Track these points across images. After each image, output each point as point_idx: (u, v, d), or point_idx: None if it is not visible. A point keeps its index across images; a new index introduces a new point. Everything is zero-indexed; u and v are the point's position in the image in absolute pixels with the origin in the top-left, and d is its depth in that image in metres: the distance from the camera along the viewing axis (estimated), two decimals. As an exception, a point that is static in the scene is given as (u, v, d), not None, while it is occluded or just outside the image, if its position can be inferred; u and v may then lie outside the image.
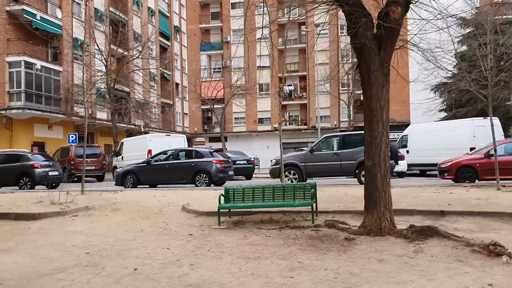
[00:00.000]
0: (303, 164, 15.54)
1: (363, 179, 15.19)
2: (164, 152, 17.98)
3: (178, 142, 22.52)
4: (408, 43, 7.78)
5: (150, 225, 8.90)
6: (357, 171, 15.18)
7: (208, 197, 12.34)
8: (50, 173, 17.80)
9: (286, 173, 15.61)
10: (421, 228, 7.07)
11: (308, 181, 15.88)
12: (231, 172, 17.62)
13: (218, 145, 35.00)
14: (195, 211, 9.98)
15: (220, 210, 8.73)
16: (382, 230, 7.20)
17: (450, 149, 18.63)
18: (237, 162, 20.93)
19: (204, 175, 16.55)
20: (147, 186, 17.69)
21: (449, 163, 15.35)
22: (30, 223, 9.65)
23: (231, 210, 9.19)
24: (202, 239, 7.56)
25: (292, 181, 15.53)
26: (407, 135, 22.90)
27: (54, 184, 17.60)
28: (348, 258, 6.08)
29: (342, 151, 15.45)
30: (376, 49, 7.28)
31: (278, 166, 15.85)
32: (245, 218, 9.23)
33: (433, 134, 20.90)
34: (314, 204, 8.55)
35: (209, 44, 55.03)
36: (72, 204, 11.39)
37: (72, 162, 23.31)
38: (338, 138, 15.92)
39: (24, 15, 27.59)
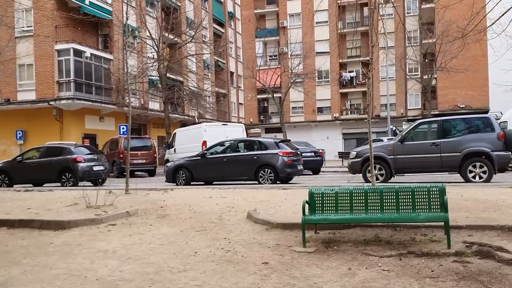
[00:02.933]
0: (392, 157, 12.49)
1: (470, 176, 12.17)
2: (221, 144, 15.48)
3: (236, 132, 20.00)
4: None
5: (206, 244, 6.42)
6: (462, 165, 12.02)
7: (278, 200, 9.75)
8: (94, 168, 15.84)
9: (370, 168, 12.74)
10: None
11: (393, 178, 12.98)
12: (300, 167, 14.82)
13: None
14: (266, 221, 7.41)
15: (305, 224, 6.10)
16: None
17: None
18: (303, 154, 18.12)
19: (269, 170, 13.85)
20: (202, 183, 15.37)
21: None
22: (55, 235, 7.50)
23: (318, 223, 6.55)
24: (285, 273, 4.98)
25: (377, 178, 12.62)
26: (506, 121, 19.23)
27: (100, 180, 15.64)
28: None
29: (442, 140, 12.25)
30: None
31: (359, 159, 13.01)
32: (338, 234, 6.56)
33: None
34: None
35: (265, 30, 52.42)
36: (111, 208, 9.19)
37: (121, 156, 21.43)
38: (436, 124, 12.63)
39: (73, 0, 26.07)
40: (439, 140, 12.30)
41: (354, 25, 43.73)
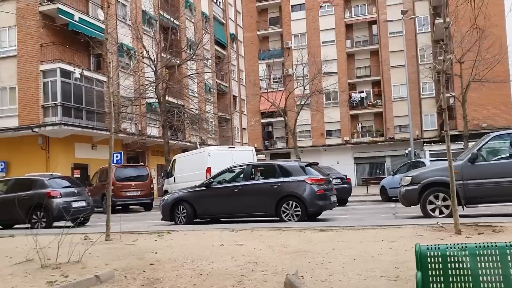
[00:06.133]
0: (461, 182, 9.39)
1: None
2: (231, 170, 12.32)
3: (245, 156, 16.89)
4: None
5: None
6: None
7: (321, 249, 6.72)
8: (74, 205, 12.75)
9: (431, 197, 9.67)
10: None
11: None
12: (334, 198, 11.46)
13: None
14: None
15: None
16: None
17: None
18: (329, 181, 14.93)
19: (294, 204, 10.65)
20: (208, 219, 12.29)
21: None
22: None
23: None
24: None
25: (441, 211, 9.56)
26: None
27: (81, 219, 12.54)
28: None
29: (528, 160, 9.25)
30: None
31: (416, 186, 9.92)
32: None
33: None
34: None
35: (268, 52, 50.04)
36: (77, 267, 6.22)
37: (112, 187, 18.37)
38: (519, 136, 9.65)
39: (60, 16, 23.53)
40: (525, 160, 9.26)
41: (357, 44, 41.65)
